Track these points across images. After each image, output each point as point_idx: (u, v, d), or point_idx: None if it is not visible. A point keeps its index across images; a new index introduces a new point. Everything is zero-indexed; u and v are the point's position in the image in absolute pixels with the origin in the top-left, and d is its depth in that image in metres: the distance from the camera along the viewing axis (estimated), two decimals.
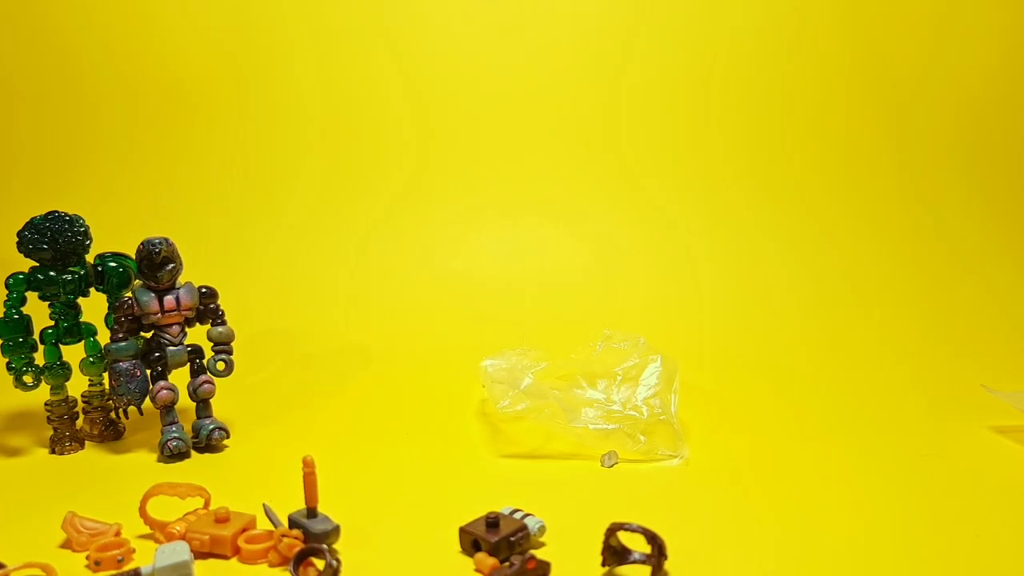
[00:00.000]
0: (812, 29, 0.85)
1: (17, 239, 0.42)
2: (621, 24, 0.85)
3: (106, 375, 0.44)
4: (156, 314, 0.43)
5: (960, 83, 0.86)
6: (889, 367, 0.59)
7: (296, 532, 0.31)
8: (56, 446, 0.44)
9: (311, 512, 0.33)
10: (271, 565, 0.31)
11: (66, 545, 0.33)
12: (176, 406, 0.44)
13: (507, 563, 0.29)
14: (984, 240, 0.81)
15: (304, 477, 0.32)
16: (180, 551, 0.30)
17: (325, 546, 0.30)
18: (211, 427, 0.44)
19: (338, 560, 0.29)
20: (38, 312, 0.44)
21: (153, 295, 0.43)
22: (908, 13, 0.85)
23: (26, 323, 0.43)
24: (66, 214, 0.43)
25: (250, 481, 0.40)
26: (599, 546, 0.29)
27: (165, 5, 0.83)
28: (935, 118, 0.86)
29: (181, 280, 0.44)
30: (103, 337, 0.45)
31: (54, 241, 0.42)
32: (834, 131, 0.85)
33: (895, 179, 0.84)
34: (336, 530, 0.32)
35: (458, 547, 0.32)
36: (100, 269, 0.45)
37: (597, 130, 0.85)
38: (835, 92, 0.85)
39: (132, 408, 0.46)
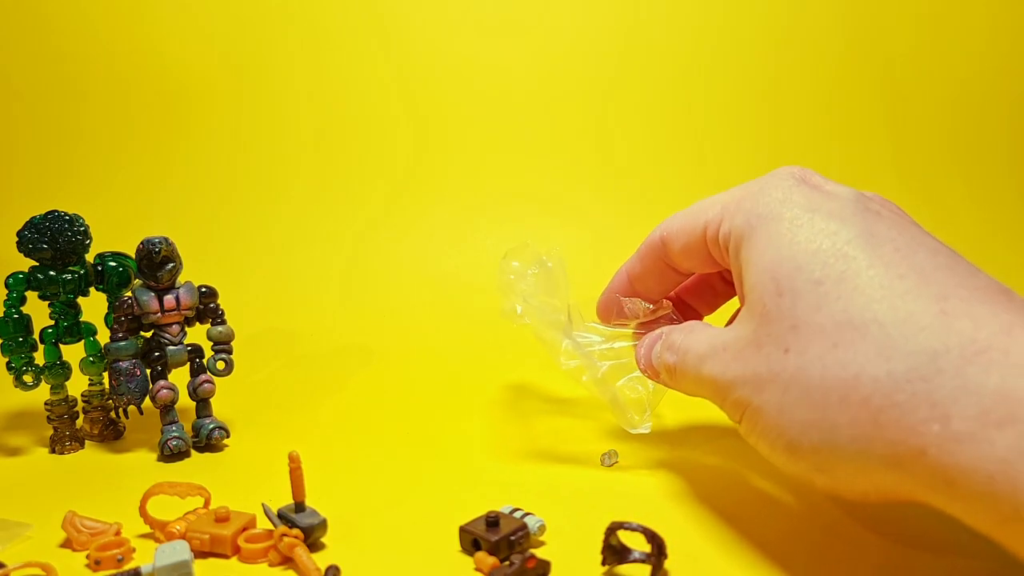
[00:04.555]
0: (810, 24, 0.85)
1: (17, 239, 0.42)
2: (620, 20, 0.85)
3: (106, 374, 0.44)
4: (156, 313, 0.43)
5: (960, 82, 0.86)
6: None
7: (296, 532, 0.31)
8: (56, 446, 0.44)
9: (299, 507, 0.33)
10: (271, 564, 0.31)
11: (66, 545, 0.33)
12: (176, 405, 0.44)
13: (507, 562, 0.29)
14: (984, 240, 0.81)
15: (290, 473, 0.32)
16: (180, 550, 0.30)
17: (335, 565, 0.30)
18: (211, 426, 0.44)
19: (337, 568, 0.29)
20: (38, 312, 0.44)
21: (153, 294, 0.43)
22: (905, 9, 0.85)
23: (26, 323, 0.43)
24: (66, 213, 0.43)
25: (250, 481, 0.40)
26: (599, 545, 0.29)
27: (163, 5, 0.83)
28: (934, 117, 0.86)
29: (181, 279, 0.44)
30: (103, 336, 0.45)
31: (54, 240, 0.42)
32: (833, 129, 0.85)
33: (893, 180, 0.84)
34: (323, 524, 0.32)
35: (458, 546, 0.32)
36: (100, 268, 0.45)
37: (597, 129, 0.85)
38: (835, 90, 0.85)
39: (132, 408, 0.46)
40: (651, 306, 0.38)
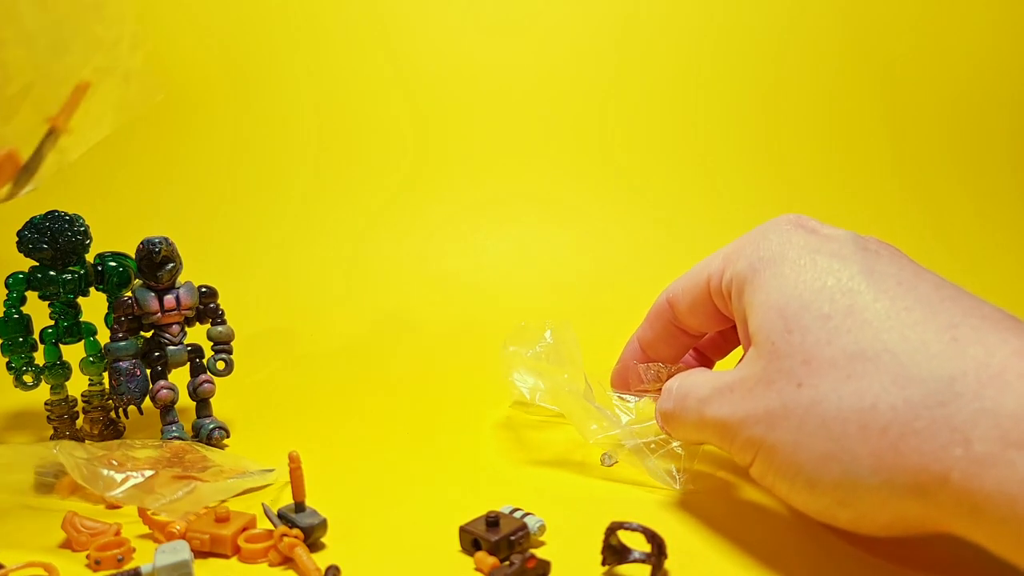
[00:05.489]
0: (812, 25, 0.85)
1: (17, 239, 0.42)
2: (620, 19, 0.85)
3: (106, 375, 0.44)
4: (156, 313, 0.43)
5: (960, 83, 0.86)
6: None
7: (296, 532, 0.31)
8: None
9: (299, 507, 0.33)
10: (271, 564, 0.31)
11: (66, 545, 0.33)
12: (176, 405, 0.44)
13: (507, 562, 0.29)
14: (984, 241, 0.81)
15: (290, 473, 0.33)
16: (180, 550, 0.30)
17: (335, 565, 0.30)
18: (211, 426, 0.44)
19: (337, 568, 0.29)
20: (38, 312, 0.44)
21: (153, 294, 0.43)
22: (905, 9, 0.85)
23: (26, 323, 0.43)
24: (66, 213, 0.43)
25: None
26: (599, 545, 0.29)
27: (163, 4, 0.83)
28: (934, 118, 0.86)
29: (181, 279, 0.44)
30: (103, 336, 0.45)
31: (54, 240, 0.42)
32: (833, 130, 0.85)
33: (894, 179, 0.84)
34: (323, 524, 0.32)
35: (458, 546, 0.32)
36: (100, 268, 0.45)
37: (598, 129, 0.85)
38: (834, 91, 0.85)
39: (132, 408, 0.46)
40: (670, 367, 0.38)
